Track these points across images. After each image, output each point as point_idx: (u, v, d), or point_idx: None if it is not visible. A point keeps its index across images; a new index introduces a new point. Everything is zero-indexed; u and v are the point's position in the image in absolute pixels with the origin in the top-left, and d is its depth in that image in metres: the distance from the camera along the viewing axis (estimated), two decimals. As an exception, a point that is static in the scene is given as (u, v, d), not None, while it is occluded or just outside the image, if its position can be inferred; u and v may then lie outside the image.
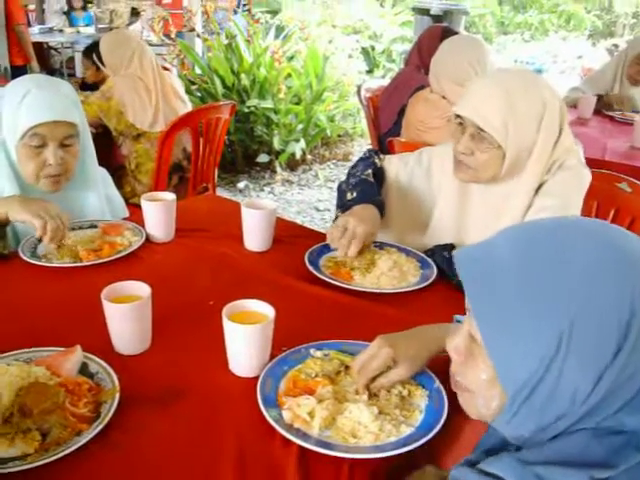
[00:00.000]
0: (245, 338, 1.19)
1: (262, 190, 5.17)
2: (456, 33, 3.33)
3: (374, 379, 1.16)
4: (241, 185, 5.19)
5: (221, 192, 4.99)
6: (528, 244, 0.76)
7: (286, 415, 1.09)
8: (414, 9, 7.05)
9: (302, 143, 5.33)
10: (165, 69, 3.72)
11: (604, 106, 3.85)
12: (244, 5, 7.79)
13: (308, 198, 5.05)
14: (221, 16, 6.12)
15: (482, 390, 0.80)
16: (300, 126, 5.40)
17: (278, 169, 5.32)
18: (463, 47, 2.74)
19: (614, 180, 2.27)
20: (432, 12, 6.16)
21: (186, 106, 3.52)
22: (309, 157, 5.63)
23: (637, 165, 2.86)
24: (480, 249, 0.80)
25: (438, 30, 3.37)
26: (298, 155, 5.31)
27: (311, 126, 5.49)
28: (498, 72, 1.76)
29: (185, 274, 1.66)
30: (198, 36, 6.00)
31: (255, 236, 1.76)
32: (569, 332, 0.70)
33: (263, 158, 5.33)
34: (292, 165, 5.54)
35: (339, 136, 6.05)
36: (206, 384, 1.22)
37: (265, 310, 1.24)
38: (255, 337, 1.19)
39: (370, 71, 7.38)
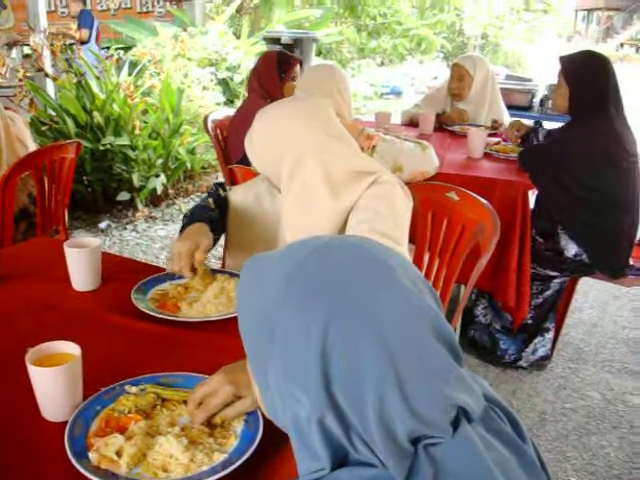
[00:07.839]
0: (49, 381, 1.14)
1: (125, 228, 5.04)
2: (292, 57, 3.38)
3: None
4: (103, 225, 5.04)
5: (82, 234, 4.84)
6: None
7: (92, 457, 1.05)
8: (265, 39, 7.15)
9: (162, 178, 5.24)
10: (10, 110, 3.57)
11: (442, 124, 4.03)
12: (95, 42, 7.65)
13: (172, 233, 4.96)
14: (70, 54, 5.96)
15: None
16: (160, 161, 5.31)
17: (139, 206, 5.21)
18: (325, 76, 2.72)
19: (444, 190, 2.38)
20: (283, 41, 6.29)
21: (27, 149, 3.38)
22: (171, 192, 5.55)
23: (470, 174, 3.01)
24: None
25: (273, 55, 3.40)
26: (159, 190, 5.22)
27: (171, 160, 5.42)
28: None
29: (6, 321, 1.58)
30: (47, 76, 5.80)
31: (80, 275, 1.71)
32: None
33: (124, 196, 5.20)
34: (155, 201, 5.44)
35: (203, 168, 6.00)
36: (17, 434, 1.16)
37: (71, 350, 1.20)
38: (60, 379, 1.14)
39: (231, 101, 7.40)
